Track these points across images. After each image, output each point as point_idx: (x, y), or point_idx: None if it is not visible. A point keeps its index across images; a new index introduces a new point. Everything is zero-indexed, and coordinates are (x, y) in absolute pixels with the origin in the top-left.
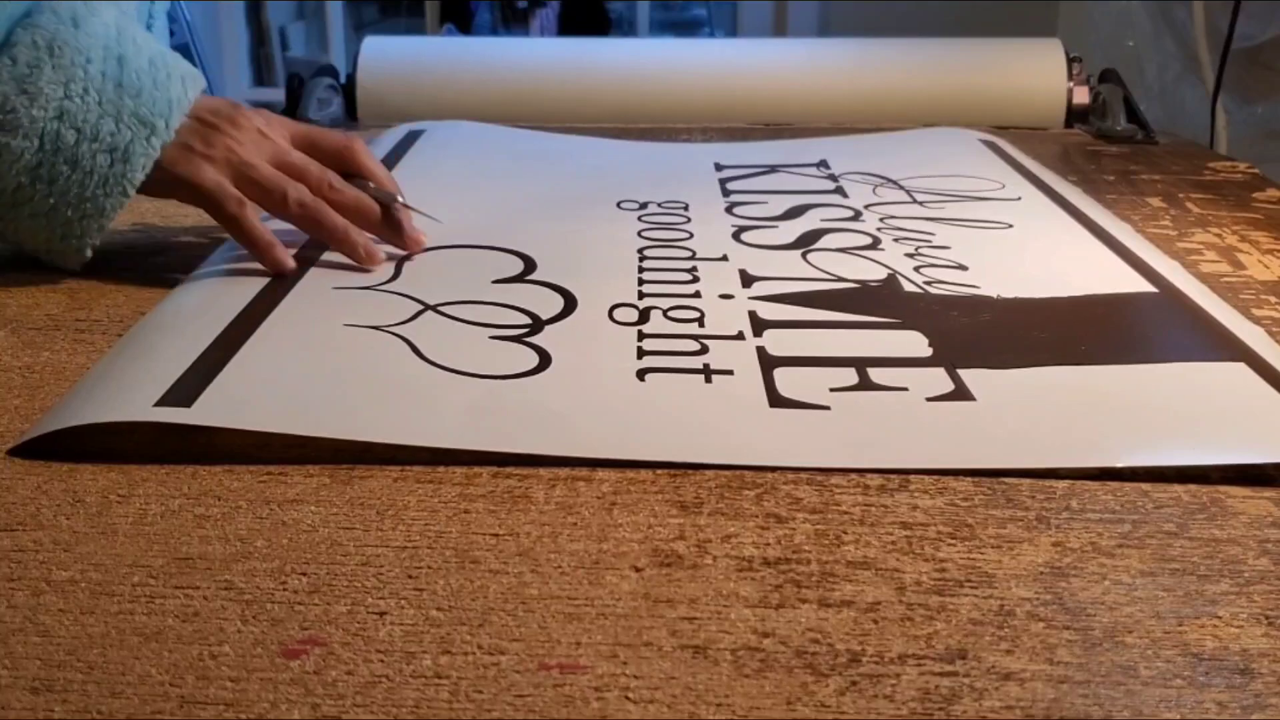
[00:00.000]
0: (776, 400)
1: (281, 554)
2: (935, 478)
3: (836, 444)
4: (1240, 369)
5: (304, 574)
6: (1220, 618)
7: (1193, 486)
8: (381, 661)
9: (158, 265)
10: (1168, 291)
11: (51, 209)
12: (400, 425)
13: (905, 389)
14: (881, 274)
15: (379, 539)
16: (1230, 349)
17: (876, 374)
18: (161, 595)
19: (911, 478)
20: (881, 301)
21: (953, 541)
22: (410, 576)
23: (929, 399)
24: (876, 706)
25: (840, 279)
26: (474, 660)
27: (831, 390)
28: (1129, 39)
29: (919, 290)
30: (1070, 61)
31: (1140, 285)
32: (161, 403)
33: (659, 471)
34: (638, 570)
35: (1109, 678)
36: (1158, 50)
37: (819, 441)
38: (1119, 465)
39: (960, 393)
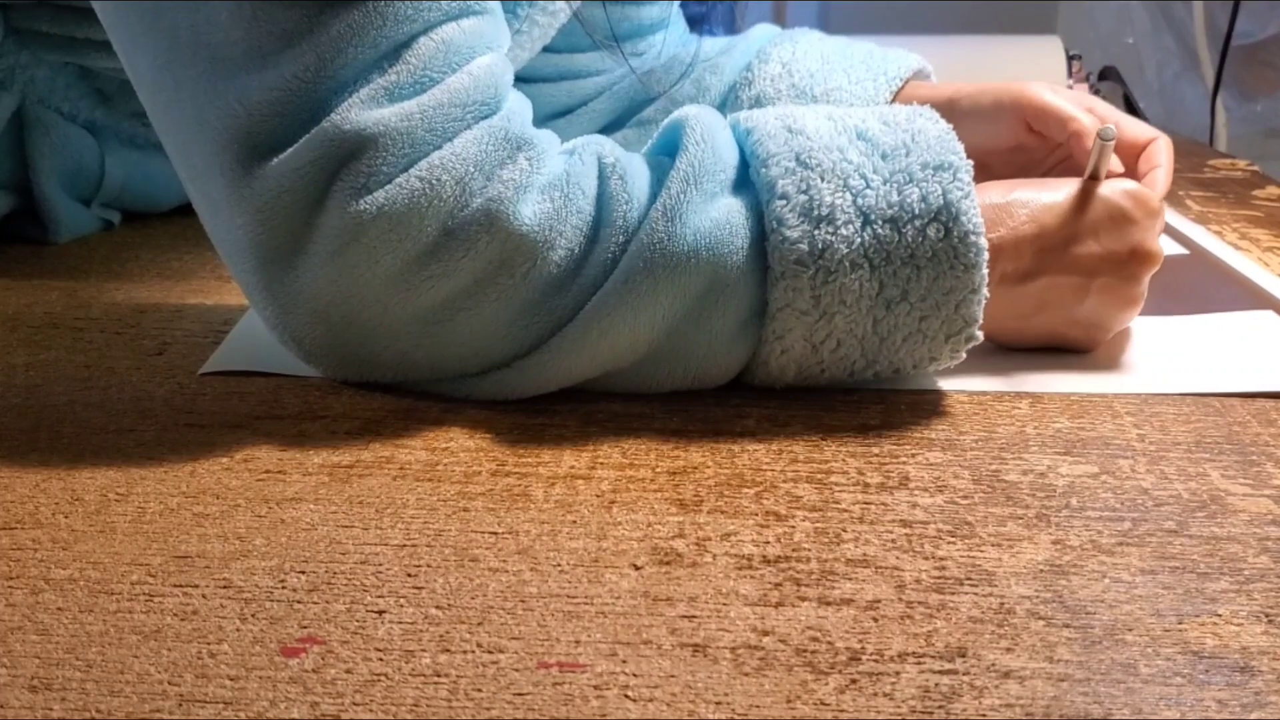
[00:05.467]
0: None
1: (280, 552)
2: (934, 477)
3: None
4: (1269, 315)
5: (303, 572)
6: (1220, 615)
7: (1192, 485)
8: (380, 660)
9: (157, 264)
10: (1198, 253)
11: (922, 320)
12: None
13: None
14: None
15: (378, 537)
16: (1259, 299)
17: None
18: (160, 593)
19: (911, 476)
20: None
21: (952, 539)
22: (409, 575)
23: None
24: (876, 705)
25: None
26: (473, 658)
27: None
28: (1128, 36)
29: None
30: (1070, 59)
31: (1174, 249)
32: None
33: (658, 470)
34: (637, 568)
35: (1109, 676)
36: (1157, 48)
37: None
38: (1162, 392)
39: None
